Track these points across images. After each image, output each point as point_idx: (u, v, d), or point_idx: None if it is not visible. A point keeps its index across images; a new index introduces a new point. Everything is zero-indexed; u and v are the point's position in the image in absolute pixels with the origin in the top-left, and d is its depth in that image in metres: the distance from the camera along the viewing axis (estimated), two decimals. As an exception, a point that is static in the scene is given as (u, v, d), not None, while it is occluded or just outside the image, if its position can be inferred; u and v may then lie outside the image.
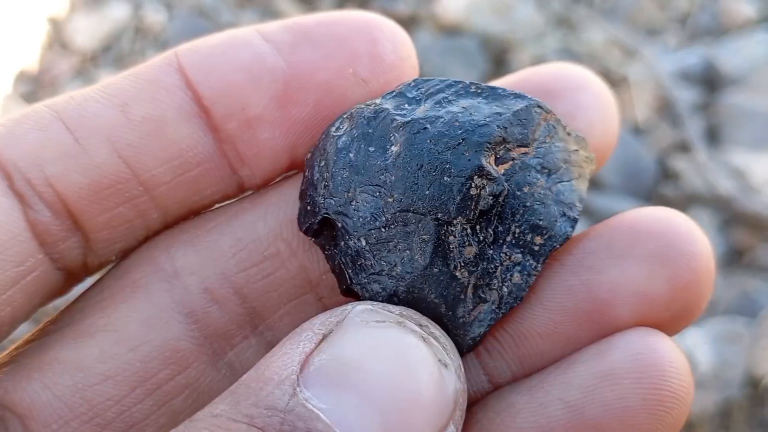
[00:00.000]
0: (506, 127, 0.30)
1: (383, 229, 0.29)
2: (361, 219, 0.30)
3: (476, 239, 0.29)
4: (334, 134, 0.31)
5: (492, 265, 0.30)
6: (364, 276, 0.30)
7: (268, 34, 0.32)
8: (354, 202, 0.30)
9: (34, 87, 1.41)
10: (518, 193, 0.30)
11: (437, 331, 0.27)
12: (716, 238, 1.03)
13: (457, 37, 1.32)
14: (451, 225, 0.29)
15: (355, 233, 0.30)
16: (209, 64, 0.31)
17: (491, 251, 0.30)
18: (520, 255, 0.30)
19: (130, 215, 0.31)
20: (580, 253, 0.31)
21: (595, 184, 1.11)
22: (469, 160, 0.29)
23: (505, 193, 0.30)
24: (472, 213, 0.29)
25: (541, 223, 0.30)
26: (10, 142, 0.30)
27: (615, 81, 1.24)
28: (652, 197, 1.11)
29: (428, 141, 0.30)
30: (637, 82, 1.21)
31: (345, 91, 0.32)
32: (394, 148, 0.30)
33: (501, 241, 0.30)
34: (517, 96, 0.31)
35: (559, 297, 0.31)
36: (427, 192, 0.29)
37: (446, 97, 0.31)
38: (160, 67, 0.32)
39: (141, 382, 0.31)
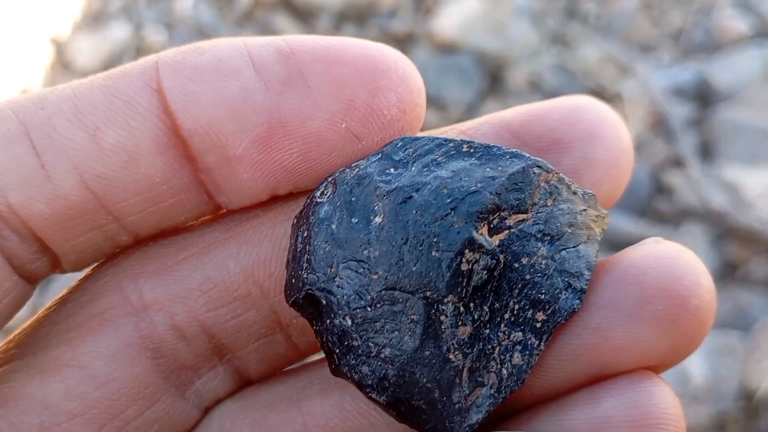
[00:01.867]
0: (500, 193, 0.28)
1: (369, 309, 0.27)
2: (345, 297, 0.27)
3: (470, 318, 0.27)
4: (318, 200, 0.29)
5: (489, 346, 0.27)
6: (353, 357, 0.27)
7: (259, 64, 0.29)
8: (337, 278, 0.27)
9: (36, 107, 1.42)
10: (516, 265, 0.28)
11: None
12: (710, 252, 1.03)
13: (453, 55, 1.33)
14: (442, 304, 0.27)
15: (340, 312, 0.27)
16: (191, 93, 0.28)
17: (488, 331, 0.27)
18: (520, 334, 0.27)
19: (99, 240, 0.30)
20: (584, 311, 0.28)
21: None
22: (459, 232, 0.27)
23: (501, 266, 0.27)
24: (464, 290, 0.27)
25: (542, 297, 0.28)
26: None
27: (609, 97, 1.25)
28: (646, 212, 1.12)
29: (414, 211, 0.27)
30: (631, 98, 1.22)
31: (335, 145, 0.29)
32: (377, 219, 0.28)
33: (498, 320, 0.27)
34: (514, 155, 0.28)
35: (561, 363, 0.28)
36: (413, 268, 0.27)
37: (435, 159, 0.28)
38: (137, 83, 0.28)
39: (109, 419, 0.30)
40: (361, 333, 0.27)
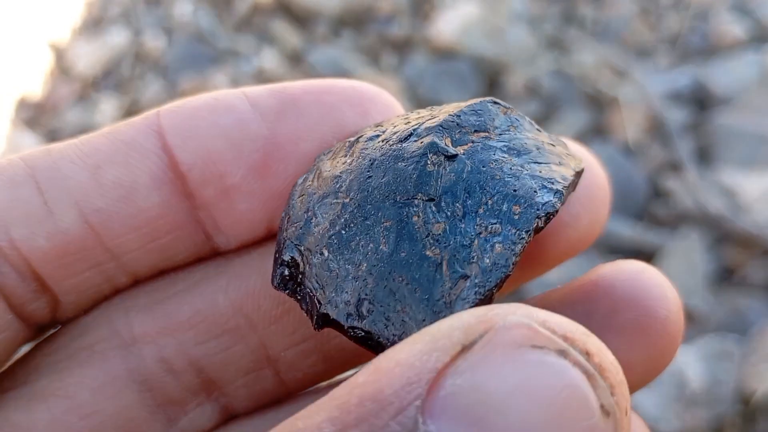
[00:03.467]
0: (459, 116, 0.28)
1: (343, 231, 0.27)
2: (321, 231, 0.28)
3: (444, 215, 0.26)
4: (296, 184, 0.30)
5: (467, 239, 0.26)
6: (332, 290, 0.27)
7: (254, 99, 0.30)
8: (314, 218, 0.28)
9: (36, 112, 1.43)
10: (484, 168, 0.27)
11: (607, 359, 0.21)
12: (707, 257, 1.03)
13: (451, 60, 1.34)
14: (413, 205, 0.26)
15: (317, 248, 0.28)
16: (189, 128, 0.30)
17: (463, 225, 0.26)
18: (498, 225, 0.26)
19: (98, 280, 0.30)
20: None
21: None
22: (422, 143, 0.27)
23: (468, 168, 0.27)
24: (433, 188, 0.27)
25: (516, 192, 0.27)
26: None
27: (606, 102, 1.25)
28: (643, 216, 1.12)
29: (380, 141, 0.28)
30: (628, 102, 1.23)
31: None
32: (347, 159, 0.29)
33: (473, 214, 0.26)
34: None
35: None
36: (382, 180, 0.27)
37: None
38: (139, 128, 0.30)
39: None
40: (338, 257, 0.27)
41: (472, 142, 0.28)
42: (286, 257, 0.28)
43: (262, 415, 0.33)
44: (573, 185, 0.29)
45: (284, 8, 1.48)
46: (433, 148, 0.27)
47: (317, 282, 0.27)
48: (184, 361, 0.31)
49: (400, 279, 0.26)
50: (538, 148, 0.29)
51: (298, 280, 0.28)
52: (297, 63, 1.39)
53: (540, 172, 0.28)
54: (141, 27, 1.51)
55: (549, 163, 0.28)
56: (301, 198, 0.29)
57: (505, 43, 1.35)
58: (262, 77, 1.34)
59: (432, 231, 0.26)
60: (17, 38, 1.52)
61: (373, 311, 0.26)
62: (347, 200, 0.28)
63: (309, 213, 0.28)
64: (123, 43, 1.48)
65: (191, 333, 0.31)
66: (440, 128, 0.28)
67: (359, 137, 0.30)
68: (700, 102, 1.26)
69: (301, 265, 0.28)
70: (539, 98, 1.27)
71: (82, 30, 1.54)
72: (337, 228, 0.27)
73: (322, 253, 0.27)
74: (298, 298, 0.28)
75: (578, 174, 0.29)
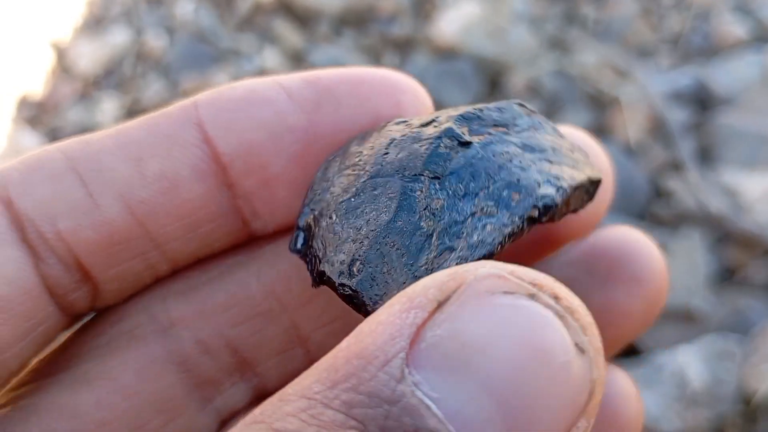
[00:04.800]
0: (481, 110, 0.30)
1: (353, 199, 0.28)
2: (333, 197, 0.29)
3: (445, 193, 0.27)
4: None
5: (461, 216, 0.27)
6: (332, 249, 0.28)
7: (290, 90, 0.31)
8: (332, 187, 0.29)
9: (37, 111, 1.43)
10: (494, 158, 0.28)
11: (575, 302, 0.23)
12: (708, 256, 1.03)
13: (453, 60, 1.34)
14: (419, 181, 0.27)
15: (327, 212, 0.29)
16: (229, 121, 0.31)
17: (461, 204, 0.27)
18: (494, 208, 0.27)
19: (140, 268, 0.31)
20: (562, 280, 0.30)
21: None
22: (439, 128, 0.29)
23: (479, 154, 0.28)
24: (441, 168, 0.28)
25: (519, 182, 0.28)
26: (24, 192, 0.29)
27: (608, 102, 1.25)
28: (645, 216, 1.12)
29: (403, 125, 0.30)
30: (630, 102, 1.23)
31: None
32: (372, 139, 0.30)
33: (473, 195, 0.27)
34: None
35: None
36: (396, 156, 0.28)
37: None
38: (178, 119, 0.31)
39: (134, 429, 0.31)
40: (344, 222, 0.28)
41: (489, 134, 0.29)
42: (302, 222, 0.30)
43: None
44: (587, 192, 0.30)
45: (286, 8, 1.48)
46: (449, 132, 0.28)
47: (322, 243, 0.29)
48: (219, 342, 0.32)
49: (392, 244, 0.27)
50: (554, 149, 0.29)
51: (309, 243, 0.30)
52: (298, 62, 1.39)
53: (549, 169, 0.28)
54: (142, 26, 1.51)
55: (561, 164, 0.29)
56: (324, 170, 0.30)
57: (507, 43, 1.35)
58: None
59: (431, 205, 0.27)
60: (19, 37, 1.52)
61: (362, 271, 0.27)
62: (362, 172, 0.29)
63: (328, 182, 0.30)
64: (124, 42, 1.48)
65: (226, 316, 0.32)
66: (460, 117, 0.29)
67: (387, 122, 0.31)
68: (702, 102, 1.25)
69: (313, 228, 0.30)
70: (541, 98, 1.27)
71: (84, 29, 1.54)
72: (347, 195, 0.29)
73: (330, 217, 0.29)
74: (307, 259, 0.30)
75: (594, 183, 0.30)
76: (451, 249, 0.27)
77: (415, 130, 0.29)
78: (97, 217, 0.29)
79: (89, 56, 1.46)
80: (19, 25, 1.54)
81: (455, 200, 0.27)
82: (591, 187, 0.30)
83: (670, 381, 0.89)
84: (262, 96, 0.31)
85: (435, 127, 0.29)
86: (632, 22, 1.41)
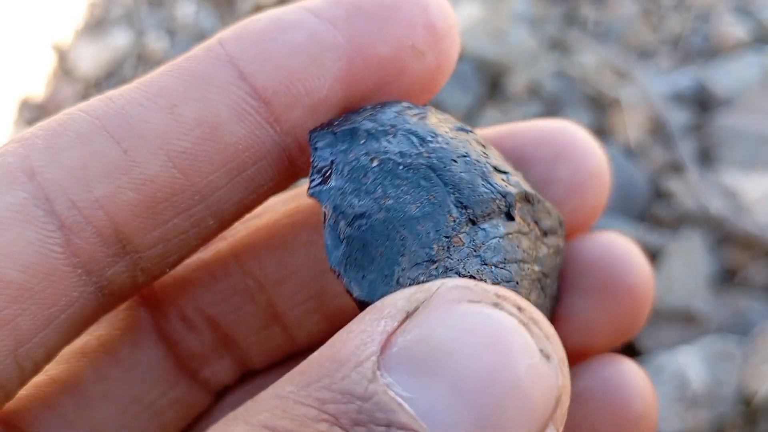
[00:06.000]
0: (542, 202, 0.31)
1: (401, 167, 0.27)
2: (387, 149, 0.28)
3: (469, 239, 0.28)
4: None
5: (464, 267, 0.28)
6: (351, 185, 0.27)
7: (316, 11, 0.29)
8: (392, 137, 0.28)
9: (38, 113, 1.43)
10: (515, 250, 0.29)
11: (537, 314, 0.23)
12: (708, 258, 1.04)
13: (453, 61, 1.34)
14: (460, 211, 0.27)
15: (370, 153, 0.28)
16: (263, 52, 0.29)
17: (471, 260, 0.28)
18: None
19: (186, 226, 0.29)
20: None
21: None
22: (504, 183, 0.29)
23: (509, 237, 0.29)
24: (481, 219, 0.28)
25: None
26: (51, 159, 0.26)
27: (608, 103, 1.26)
28: (645, 217, 1.12)
29: (480, 145, 0.30)
30: (630, 103, 1.23)
31: (405, 64, 0.30)
32: (450, 131, 0.30)
33: (483, 262, 0.28)
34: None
35: None
36: (459, 173, 0.28)
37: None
38: (207, 60, 0.28)
39: (135, 400, 0.32)
40: (378, 176, 0.27)
41: (528, 225, 0.30)
42: (350, 126, 0.29)
43: (277, 372, 0.35)
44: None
45: (286, 9, 1.48)
46: (510, 200, 0.28)
47: (347, 171, 0.28)
48: (202, 320, 0.33)
49: (401, 237, 0.26)
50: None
51: (338, 149, 0.28)
52: (299, 64, 1.39)
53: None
54: (143, 28, 1.51)
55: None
56: (379, 109, 0.29)
57: (507, 44, 1.35)
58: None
59: (452, 238, 0.27)
60: (20, 39, 1.53)
61: (362, 229, 0.27)
62: (426, 155, 0.28)
63: (391, 130, 0.28)
64: (125, 44, 1.49)
65: (207, 294, 0.33)
66: (524, 199, 0.29)
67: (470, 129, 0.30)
68: (702, 103, 1.26)
69: (349, 144, 0.28)
70: (541, 99, 1.27)
71: (85, 31, 1.54)
72: (400, 159, 0.27)
73: (369, 161, 0.27)
74: (320, 198, 0.28)
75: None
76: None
77: (488, 162, 0.29)
78: (137, 175, 0.27)
79: (90, 58, 1.47)
80: (21, 27, 1.55)
81: (471, 251, 0.27)
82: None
83: (671, 382, 0.89)
84: (291, 21, 0.29)
85: (504, 181, 0.29)
86: (632, 23, 1.41)
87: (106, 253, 0.27)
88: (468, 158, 0.29)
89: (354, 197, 0.27)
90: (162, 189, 0.28)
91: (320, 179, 0.28)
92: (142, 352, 0.33)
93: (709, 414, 0.86)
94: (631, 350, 0.99)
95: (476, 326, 0.22)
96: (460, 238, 0.27)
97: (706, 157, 1.17)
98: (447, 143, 0.29)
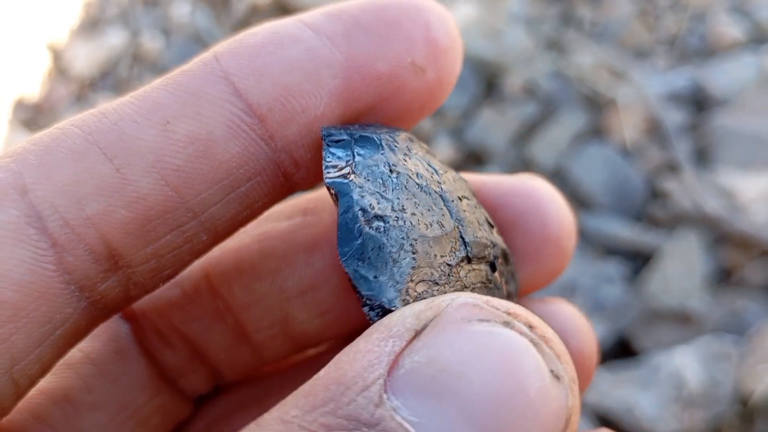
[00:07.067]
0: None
1: (417, 187, 0.28)
2: (403, 162, 0.28)
3: (463, 271, 0.28)
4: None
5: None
6: (372, 191, 0.27)
7: (314, 26, 0.29)
8: (407, 157, 0.28)
9: (33, 113, 1.42)
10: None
11: (549, 332, 0.23)
12: (705, 257, 1.04)
13: (449, 61, 1.34)
14: (459, 246, 0.28)
15: (389, 162, 0.28)
16: (258, 68, 0.28)
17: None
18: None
19: (178, 242, 0.29)
20: None
21: (584, 204, 1.13)
22: (491, 251, 0.30)
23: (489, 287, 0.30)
24: (476, 256, 0.29)
25: None
26: (43, 176, 0.26)
27: (604, 103, 1.26)
28: (641, 217, 1.12)
29: (473, 200, 0.31)
30: (626, 103, 1.23)
31: (405, 81, 0.30)
32: (452, 178, 0.31)
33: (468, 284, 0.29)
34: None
35: None
36: (464, 211, 0.29)
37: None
38: (202, 75, 0.28)
39: (122, 408, 0.33)
40: (397, 187, 0.27)
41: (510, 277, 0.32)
42: (363, 135, 0.29)
43: (251, 384, 0.37)
44: None
45: (282, 9, 1.48)
46: (494, 256, 0.29)
47: (363, 170, 0.27)
48: (176, 335, 0.34)
49: (413, 251, 0.27)
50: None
51: (346, 171, 0.28)
52: (295, 64, 1.39)
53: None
54: (138, 28, 1.51)
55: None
56: (391, 135, 0.29)
57: (504, 44, 1.35)
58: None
59: (453, 267, 0.27)
60: (15, 39, 1.52)
61: (380, 232, 0.26)
62: (437, 183, 0.29)
63: (398, 149, 0.29)
64: (120, 43, 1.48)
65: (180, 312, 0.33)
66: (504, 257, 0.30)
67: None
68: (698, 103, 1.26)
69: (366, 151, 0.28)
70: (537, 99, 1.27)
71: (80, 31, 1.54)
72: (414, 179, 0.28)
73: (386, 168, 0.28)
74: (342, 151, 0.28)
75: None
76: (422, 299, 0.27)
77: (483, 213, 0.30)
78: (129, 194, 0.27)
79: (85, 58, 1.46)
80: (16, 27, 1.54)
81: (462, 286, 0.28)
82: None
83: (667, 382, 0.89)
84: (288, 36, 0.29)
85: (493, 233, 0.30)
86: (628, 23, 1.41)
87: (98, 270, 0.27)
88: (469, 201, 0.29)
89: (374, 198, 0.27)
90: (154, 207, 0.27)
91: (338, 173, 0.27)
92: (126, 362, 0.33)
93: (706, 414, 0.86)
94: (627, 350, 0.99)
95: (486, 348, 0.21)
96: (458, 271, 0.28)
97: (703, 157, 1.17)
98: (453, 182, 0.29)
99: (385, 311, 0.25)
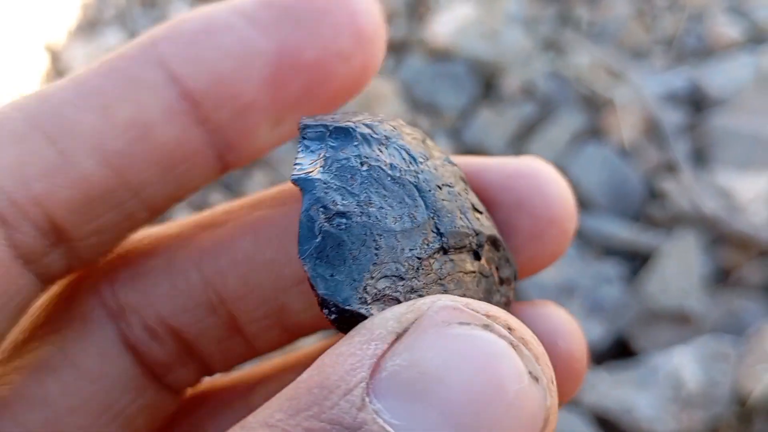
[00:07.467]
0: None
1: (389, 179, 0.28)
2: (376, 154, 0.28)
3: (438, 265, 0.28)
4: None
5: (424, 289, 0.28)
6: (337, 186, 0.27)
7: (248, 14, 0.30)
8: (382, 147, 0.29)
9: (31, 114, 1.42)
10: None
11: (527, 334, 0.23)
12: (703, 258, 1.04)
13: (447, 62, 1.34)
14: (435, 238, 0.28)
15: (361, 155, 0.28)
16: (194, 54, 0.30)
17: (435, 286, 0.28)
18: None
19: (118, 219, 0.30)
20: None
21: (583, 204, 1.13)
22: (476, 237, 0.29)
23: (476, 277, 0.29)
24: (450, 247, 0.28)
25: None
26: None
27: (602, 103, 1.26)
28: (639, 217, 1.12)
29: (463, 182, 0.31)
30: (624, 104, 1.23)
31: (331, 69, 0.31)
32: (436, 156, 0.30)
33: (443, 287, 0.29)
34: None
35: None
36: (443, 201, 0.28)
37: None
38: (140, 60, 0.30)
39: (105, 410, 0.32)
40: (366, 180, 0.27)
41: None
42: (334, 125, 0.29)
43: (238, 382, 0.37)
44: None
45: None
46: (478, 244, 0.29)
47: (334, 168, 0.27)
48: (165, 330, 0.33)
49: (376, 246, 0.26)
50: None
51: (314, 165, 0.28)
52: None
53: None
54: (136, 29, 1.51)
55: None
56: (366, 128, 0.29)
57: (501, 44, 1.35)
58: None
59: (423, 260, 0.27)
60: (13, 40, 1.52)
61: (340, 229, 0.26)
62: (414, 174, 0.28)
63: (386, 141, 0.29)
64: (118, 44, 1.48)
65: (169, 306, 0.33)
66: (492, 243, 0.30)
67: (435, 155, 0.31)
68: (696, 103, 1.26)
69: (341, 143, 0.28)
70: (535, 100, 1.27)
71: (78, 32, 1.54)
72: (388, 169, 0.28)
73: (360, 165, 0.28)
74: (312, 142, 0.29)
75: None
76: (397, 300, 0.27)
77: (469, 199, 0.30)
78: (73, 175, 0.28)
79: (83, 58, 1.46)
80: (14, 27, 1.54)
81: (436, 279, 0.28)
82: None
83: (665, 382, 0.89)
84: (223, 24, 0.30)
85: (479, 220, 0.29)
86: (626, 23, 1.41)
87: (44, 244, 0.29)
88: (452, 189, 0.29)
89: (338, 194, 0.27)
90: (97, 187, 0.29)
91: (306, 168, 0.28)
92: (109, 362, 0.32)
93: (704, 414, 0.86)
94: (625, 350, 0.99)
95: (466, 351, 0.22)
96: (430, 263, 0.27)
97: (700, 158, 1.17)
98: (435, 169, 0.29)
99: (341, 311, 0.25)
